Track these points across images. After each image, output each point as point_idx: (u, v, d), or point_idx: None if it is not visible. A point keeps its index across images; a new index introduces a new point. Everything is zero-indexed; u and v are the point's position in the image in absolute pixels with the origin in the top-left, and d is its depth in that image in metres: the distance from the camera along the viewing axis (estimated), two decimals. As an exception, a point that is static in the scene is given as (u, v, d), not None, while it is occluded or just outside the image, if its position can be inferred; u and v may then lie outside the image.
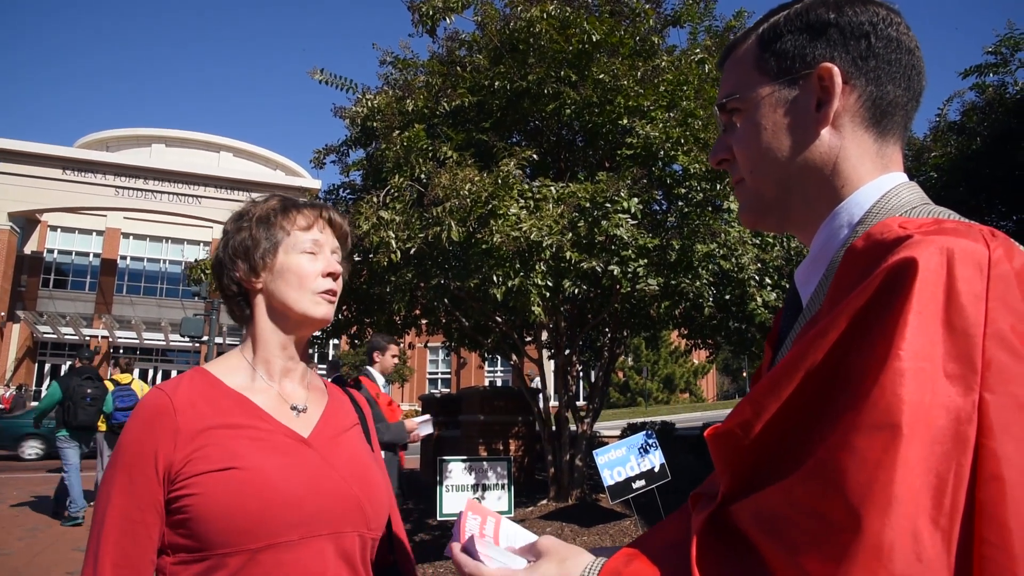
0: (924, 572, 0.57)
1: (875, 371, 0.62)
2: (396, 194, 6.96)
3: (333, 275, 1.44)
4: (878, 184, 0.83)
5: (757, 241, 7.28)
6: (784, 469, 0.67)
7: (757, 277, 7.09)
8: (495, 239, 6.15)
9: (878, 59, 0.84)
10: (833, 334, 0.67)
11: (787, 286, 8.06)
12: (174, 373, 36.40)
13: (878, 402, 0.61)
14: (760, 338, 10.40)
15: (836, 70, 0.83)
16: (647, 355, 41.21)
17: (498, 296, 6.48)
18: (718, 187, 7.06)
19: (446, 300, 8.06)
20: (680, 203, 7.32)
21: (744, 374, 54.91)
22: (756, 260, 7.07)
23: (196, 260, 8.37)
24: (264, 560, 1.22)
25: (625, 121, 7.37)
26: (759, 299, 7.17)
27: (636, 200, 6.70)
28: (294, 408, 1.41)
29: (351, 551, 1.33)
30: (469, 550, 0.87)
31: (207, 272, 7.91)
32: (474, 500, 0.99)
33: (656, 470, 7.80)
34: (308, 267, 1.41)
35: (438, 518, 7.58)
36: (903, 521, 0.58)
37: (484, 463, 8.11)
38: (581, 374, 12.31)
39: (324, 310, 1.42)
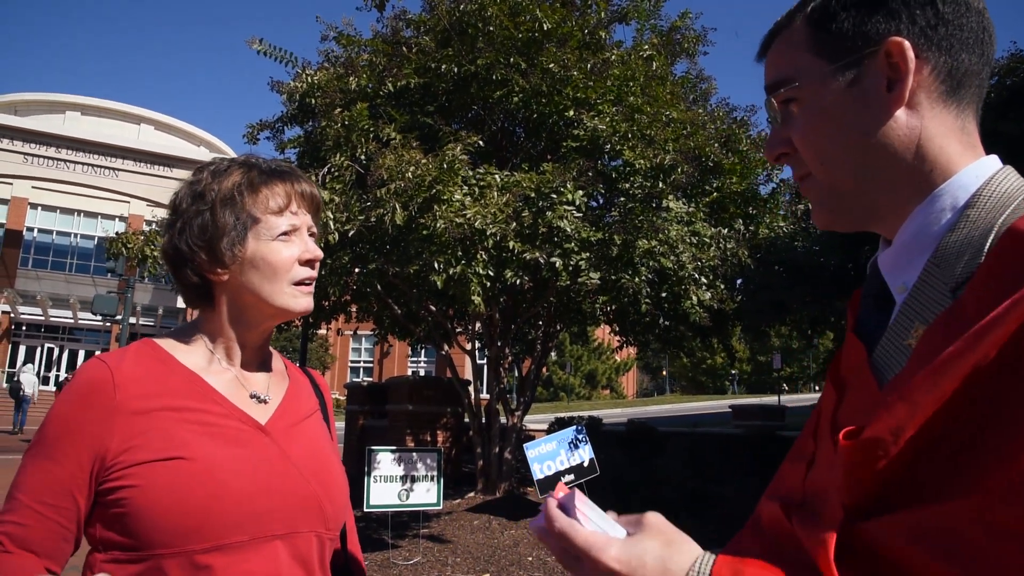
0: None
1: None
2: (336, 174, 6.72)
3: (312, 262, 1.27)
4: (980, 166, 0.77)
5: (694, 240, 7.36)
6: (958, 481, 0.59)
7: (696, 275, 7.17)
8: (439, 225, 6.01)
9: (948, 26, 0.76)
10: (1011, 324, 0.59)
11: (721, 286, 8.23)
12: (81, 354, 34.72)
13: None
14: (690, 336, 10.58)
15: (907, 44, 0.76)
16: (572, 350, 41.69)
17: (438, 283, 6.35)
18: (660, 185, 7.09)
19: (379, 285, 7.85)
20: (623, 198, 7.33)
21: (664, 373, 56.08)
22: (694, 259, 7.15)
23: (117, 233, 7.88)
24: (209, 563, 1.08)
25: (572, 113, 7.33)
26: (695, 298, 7.26)
27: (581, 193, 6.66)
28: (254, 396, 1.26)
29: (307, 554, 1.19)
30: (565, 506, 0.77)
31: (128, 246, 7.46)
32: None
33: (585, 465, 7.82)
34: (284, 255, 1.23)
35: (365, 509, 7.38)
36: None
37: (413, 454, 7.95)
38: (511, 366, 12.28)
39: (304, 303, 1.26)
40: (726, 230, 8.04)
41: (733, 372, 45.91)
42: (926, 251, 0.76)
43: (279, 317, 1.29)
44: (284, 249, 1.24)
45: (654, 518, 0.77)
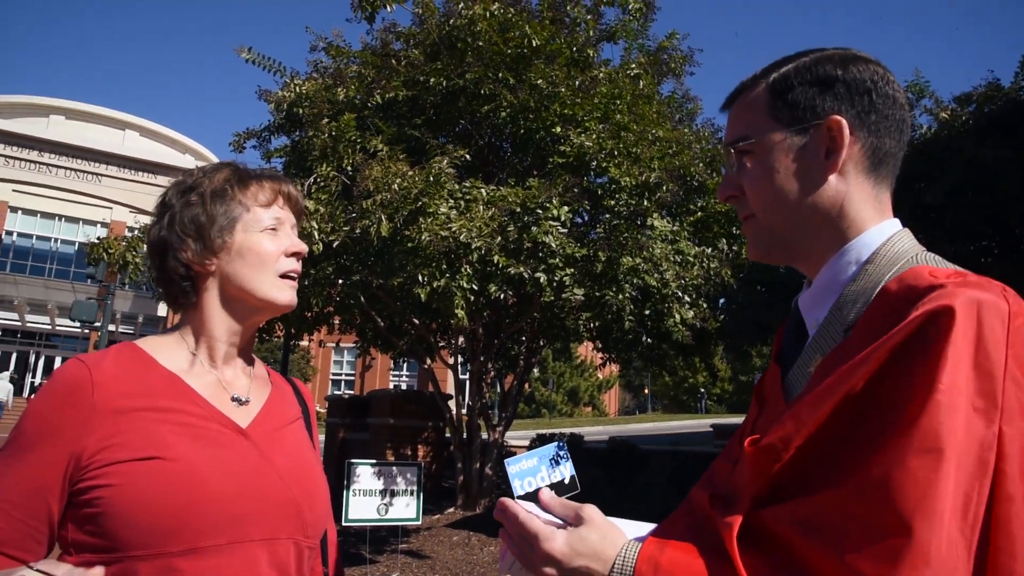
0: (951, 571, 0.69)
1: (920, 400, 0.73)
2: (322, 184, 6.70)
3: (297, 255, 1.31)
4: (881, 229, 0.94)
5: (678, 259, 7.38)
6: (827, 480, 0.77)
7: (679, 294, 7.18)
8: (424, 237, 5.99)
9: (878, 113, 0.94)
10: (873, 364, 0.77)
11: (704, 305, 8.26)
12: (58, 360, 34.16)
13: (925, 429, 0.72)
14: (673, 354, 10.60)
15: (845, 123, 0.92)
16: (555, 367, 41.61)
17: (422, 296, 6.32)
18: (645, 202, 7.12)
19: (362, 297, 7.80)
20: (608, 215, 7.35)
21: (646, 391, 56.13)
22: (678, 277, 7.17)
23: (98, 238, 7.79)
24: (184, 567, 1.06)
25: (559, 129, 7.36)
26: (678, 316, 7.27)
27: (567, 208, 6.67)
28: (235, 399, 1.26)
29: (285, 561, 1.17)
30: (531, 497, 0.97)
31: (109, 252, 7.38)
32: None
33: (566, 482, 7.70)
34: (270, 246, 1.28)
35: (343, 523, 7.31)
36: (944, 531, 0.69)
37: (393, 468, 7.88)
38: (494, 382, 12.24)
39: (289, 295, 1.30)
40: (710, 249, 8.07)
41: (701, 391, 46.18)
42: (833, 296, 0.94)
43: (264, 310, 1.30)
44: (271, 241, 1.28)
45: (592, 511, 0.90)
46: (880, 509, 0.71)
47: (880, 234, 0.94)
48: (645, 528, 0.96)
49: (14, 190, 34.02)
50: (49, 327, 34.01)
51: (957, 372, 0.73)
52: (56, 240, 35.91)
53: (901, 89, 0.97)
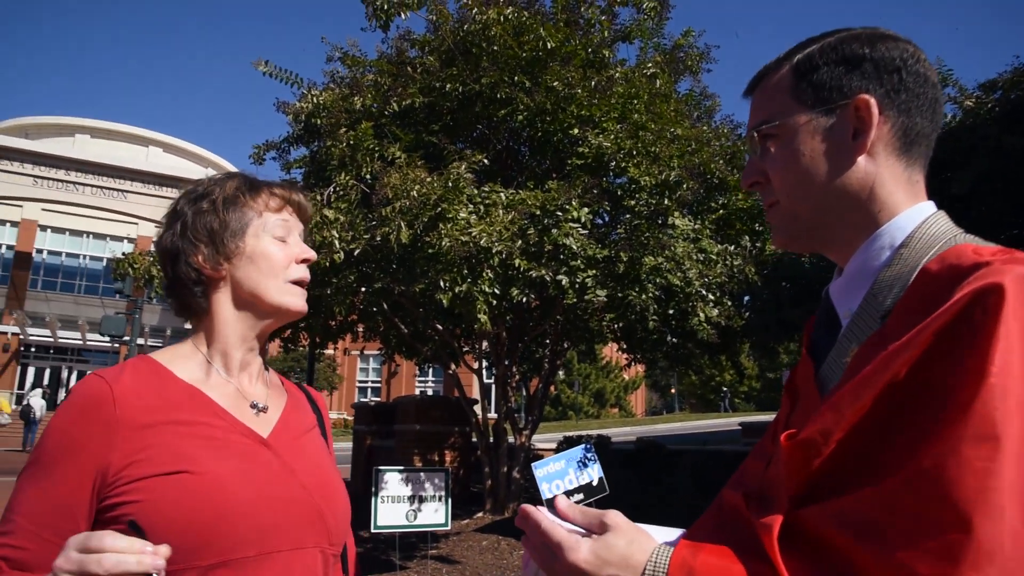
0: (1018, 569, 0.64)
1: (972, 386, 0.68)
2: (341, 193, 6.73)
3: (307, 261, 1.32)
4: (917, 211, 0.90)
5: (701, 257, 7.33)
6: (872, 475, 0.72)
7: (703, 292, 7.12)
8: (444, 243, 6.00)
9: (908, 92, 0.90)
10: (916, 349, 0.72)
11: (728, 303, 8.18)
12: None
13: (979, 415, 0.67)
14: (699, 353, 10.51)
15: (873, 101, 0.89)
16: (580, 368, 41.50)
17: (444, 302, 6.32)
18: (665, 201, 7.07)
19: (385, 305, 7.83)
20: (628, 215, 7.31)
21: (672, 391, 55.74)
22: (701, 276, 7.11)
23: (123, 254, 7.90)
24: None
25: (576, 131, 7.34)
26: (702, 315, 7.21)
27: (586, 210, 6.65)
28: (254, 406, 1.26)
29: (313, 569, 1.17)
30: (552, 505, 0.89)
31: (135, 267, 7.48)
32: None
33: (594, 484, 7.74)
34: (280, 252, 1.29)
35: (372, 530, 7.32)
36: (1006, 524, 0.64)
37: (421, 474, 7.89)
38: (519, 385, 12.22)
39: (299, 301, 1.30)
40: (733, 247, 8.00)
41: (724, 389, 45.67)
42: (866, 283, 0.90)
43: (273, 316, 1.30)
44: (281, 247, 1.29)
45: (617, 517, 0.85)
46: (934, 503, 0.67)
47: (914, 217, 0.90)
48: (674, 533, 0.90)
49: (43, 209, 34.73)
50: (80, 342, 34.61)
51: (1010, 353, 0.68)
52: (84, 256, 36.58)
53: (933, 68, 0.93)
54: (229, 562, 1.07)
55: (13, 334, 33.39)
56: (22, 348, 33.57)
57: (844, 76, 0.91)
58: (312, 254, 1.33)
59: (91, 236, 36.66)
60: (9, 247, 35.18)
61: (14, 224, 35.22)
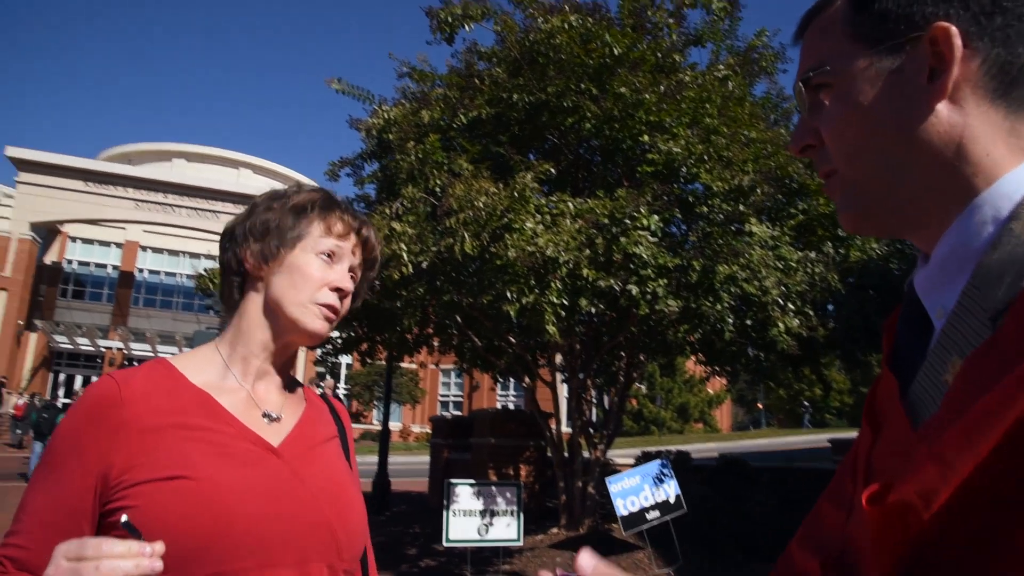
0: None
1: None
2: (409, 206, 6.79)
3: (341, 291, 1.27)
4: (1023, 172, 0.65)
5: (780, 265, 7.04)
6: (1000, 552, 0.51)
7: (781, 301, 6.83)
8: (510, 254, 5.95)
9: (1007, 14, 0.65)
10: None
11: (810, 312, 7.82)
12: (186, 387, 36.32)
13: None
14: (779, 366, 10.10)
15: (954, 31, 0.65)
16: (661, 382, 40.80)
17: (512, 313, 6.27)
18: (740, 207, 6.84)
19: (458, 318, 7.84)
20: (701, 223, 7.10)
21: (759, 405, 54.01)
22: (779, 284, 6.83)
23: (205, 270, 8.20)
24: None
25: (646, 137, 7.19)
26: (781, 325, 6.91)
27: (656, 217, 6.48)
28: (266, 415, 1.21)
29: None
30: None
31: (214, 282, 7.74)
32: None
33: (671, 501, 7.50)
34: (317, 272, 1.25)
35: (444, 544, 7.31)
36: None
37: (493, 487, 7.84)
38: (595, 399, 12.03)
39: (318, 325, 1.25)
40: (814, 254, 7.65)
41: (805, 404, 43.81)
42: (965, 270, 0.65)
43: (291, 332, 1.26)
44: (321, 267, 1.25)
45: None
46: None
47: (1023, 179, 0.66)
48: None
49: (144, 230, 36.90)
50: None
51: None
52: (181, 275, 38.53)
53: None
54: (227, 572, 1.02)
55: (118, 349, 35.41)
56: (125, 363, 35.48)
57: (915, 2, 0.69)
58: (348, 285, 1.29)
59: (187, 255, 38.60)
60: (115, 267, 37.47)
61: (118, 245, 37.53)
